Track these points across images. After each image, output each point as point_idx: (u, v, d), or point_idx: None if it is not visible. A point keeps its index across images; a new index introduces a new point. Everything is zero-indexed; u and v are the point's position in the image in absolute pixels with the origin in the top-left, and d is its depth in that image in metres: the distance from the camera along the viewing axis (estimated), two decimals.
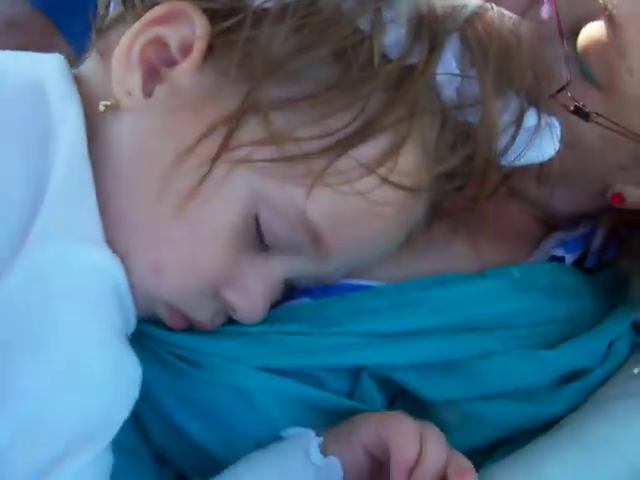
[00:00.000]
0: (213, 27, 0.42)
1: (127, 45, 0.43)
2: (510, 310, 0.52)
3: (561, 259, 0.58)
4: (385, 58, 0.40)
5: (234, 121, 0.40)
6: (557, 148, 0.45)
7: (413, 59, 0.41)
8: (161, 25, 0.43)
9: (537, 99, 0.45)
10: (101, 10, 0.50)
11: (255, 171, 0.41)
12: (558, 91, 0.49)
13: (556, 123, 0.45)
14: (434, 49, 0.41)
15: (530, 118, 0.44)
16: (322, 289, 0.50)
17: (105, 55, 0.47)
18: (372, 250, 0.46)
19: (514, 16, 0.46)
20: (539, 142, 0.45)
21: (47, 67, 0.46)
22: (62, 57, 0.50)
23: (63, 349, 0.39)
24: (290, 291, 0.49)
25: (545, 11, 0.51)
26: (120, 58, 0.43)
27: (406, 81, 0.41)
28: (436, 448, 0.42)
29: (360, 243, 0.45)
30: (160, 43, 0.43)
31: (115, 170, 0.42)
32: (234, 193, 0.42)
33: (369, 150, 0.41)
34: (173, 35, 0.43)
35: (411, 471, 0.41)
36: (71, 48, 0.97)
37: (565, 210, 0.59)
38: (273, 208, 0.42)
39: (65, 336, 0.39)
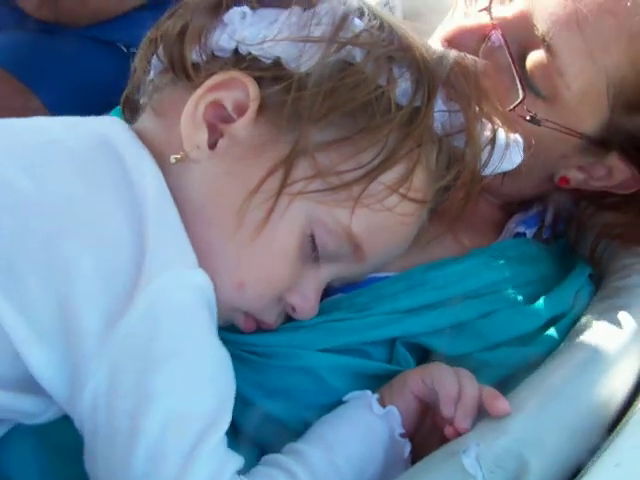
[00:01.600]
0: (263, 90, 0.53)
1: (192, 109, 0.54)
2: (493, 279, 0.66)
3: (523, 234, 0.73)
4: (397, 104, 0.53)
5: (289, 163, 0.52)
6: (523, 157, 0.58)
7: (417, 103, 0.53)
8: (218, 90, 0.54)
9: (503, 120, 0.58)
10: (139, 74, 0.62)
11: (309, 200, 0.53)
12: (516, 106, 0.63)
13: (520, 138, 0.58)
14: (431, 94, 0.53)
15: (500, 137, 0.57)
16: (352, 286, 0.62)
17: (160, 113, 0.58)
18: (394, 251, 0.59)
19: (477, 58, 0.59)
20: (509, 155, 0.58)
21: (112, 127, 0.57)
22: (117, 117, 0.62)
23: (190, 353, 0.49)
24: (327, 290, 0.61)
25: (495, 40, 0.65)
26: (187, 120, 0.54)
27: (414, 120, 0.53)
28: (470, 384, 0.55)
29: (387, 246, 0.57)
30: (218, 105, 0.54)
31: (195, 210, 0.53)
32: (295, 219, 0.53)
33: (391, 175, 0.53)
34: (229, 98, 0.54)
35: (455, 403, 0.54)
36: (47, 108, 1.07)
37: (520, 196, 0.74)
38: (325, 227, 0.54)
39: (190, 343, 0.49)
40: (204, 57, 0.56)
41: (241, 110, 0.54)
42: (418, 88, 0.53)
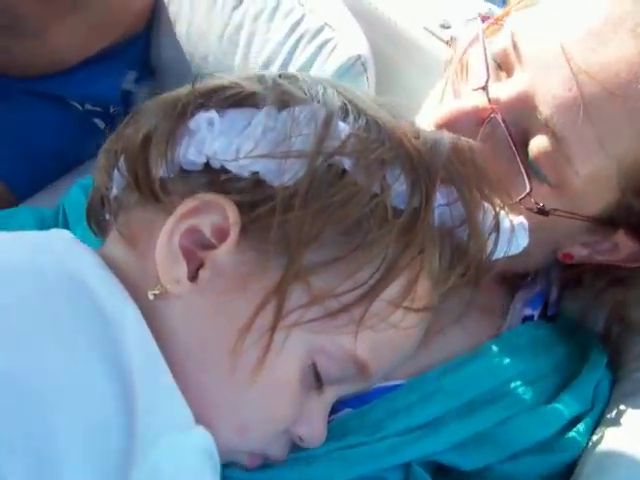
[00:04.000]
0: (244, 212, 0.47)
1: (166, 239, 0.48)
2: (508, 376, 0.62)
3: (531, 317, 0.69)
4: (394, 211, 0.47)
5: (281, 293, 0.46)
6: (528, 239, 0.54)
7: (415, 204, 0.48)
8: (193, 217, 0.48)
9: (507, 207, 0.54)
10: (102, 190, 0.55)
11: (307, 330, 0.47)
12: (522, 198, 0.59)
13: (524, 221, 0.54)
14: (430, 191, 0.48)
15: (504, 222, 0.53)
16: (358, 397, 0.58)
17: (130, 239, 0.51)
18: (401, 359, 0.54)
19: (474, 142, 0.55)
20: (515, 239, 0.53)
21: (79, 259, 0.50)
22: (70, 235, 0.54)
23: None
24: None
25: (495, 124, 0.60)
26: (162, 252, 0.48)
27: (413, 226, 0.48)
28: None
29: (394, 358, 0.53)
30: (195, 231, 0.48)
31: (183, 353, 0.47)
32: (294, 352, 0.48)
33: (393, 289, 0.48)
34: (206, 223, 0.48)
35: None
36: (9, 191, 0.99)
37: (522, 272, 0.70)
38: (328, 355, 0.49)
39: None
40: (171, 174, 0.50)
41: (221, 234, 0.48)
42: (415, 188, 0.48)
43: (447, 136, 0.52)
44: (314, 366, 0.49)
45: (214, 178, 0.48)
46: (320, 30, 0.90)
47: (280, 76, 0.51)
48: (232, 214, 0.47)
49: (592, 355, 0.65)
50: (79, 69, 1.08)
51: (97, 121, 1.10)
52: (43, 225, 0.83)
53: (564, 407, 0.60)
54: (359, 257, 0.47)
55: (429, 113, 0.63)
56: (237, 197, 0.48)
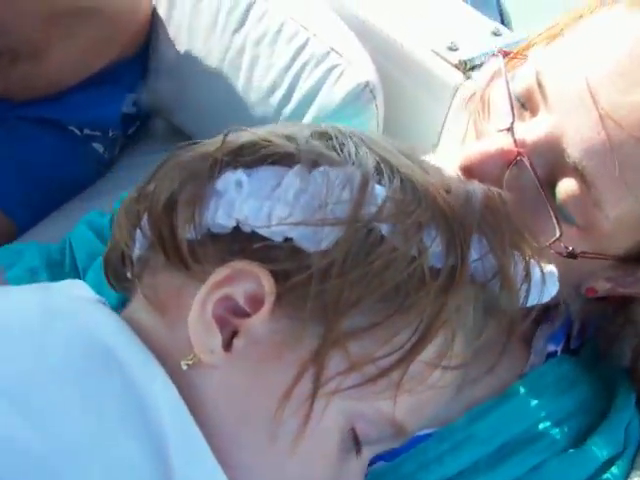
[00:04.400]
0: (278, 280, 0.45)
1: (199, 310, 0.46)
2: (537, 418, 0.61)
3: (554, 353, 0.68)
4: (431, 272, 0.46)
5: (320, 361, 0.45)
6: (558, 287, 0.53)
7: (451, 262, 0.47)
8: (226, 285, 0.46)
9: (536, 255, 0.53)
10: (122, 247, 0.53)
11: (346, 397, 0.46)
12: (552, 243, 0.58)
13: (554, 269, 0.53)
14: (465, 249, 0.47)
15: (535, 272, 0.51)
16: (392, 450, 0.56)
17: (158, 306, 0.50)
18: (435, 413, 0.53)
19: (504, 192, 0.54)
20: (546, 288, 0.52)
21: (104, 323, 0.48)
22: (89, 293, 0.54)
23: None
24: None
25: (521, 166, 0.59)
26: (195, 323, 0.46)
27: (450, 284, 0.47)
28: None
29: (430, 414, 0.52)
30: (228, 299, 0.46)
31: (219, 426, 0.46)
32: (334, 420, 0.47)
33: (430, 350, 0.47)
34: (239, 291, 0.46)
35: None
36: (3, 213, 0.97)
37: (543, 307, 0.69)
38: (367, 420, 0.47)
39: None
40: (199, 237, 0.48)
41: (255, 302, 0.46)
42: (450, 247, 0.47)
43: (478, 188, 0.51)
44: (353, 431, 0.48)
45: (246, 244, 0.47)
46: (326, 55, 0.89)
47: (312, 135, 0.49)
48: (267, 283, 0.45)
49: (619, 391, 0.64)
50: (77, 93, 1.06)
51: (96, 145, 1.09)
52: (50, 262, 0.81)
53: (596, 450, 0.59)
54: (397, 321, 0.46)
55: (452, 155, 0.62)
56: (271, 265, 0.46)
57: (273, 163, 0.48)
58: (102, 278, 0.59)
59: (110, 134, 1.08)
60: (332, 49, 0.87)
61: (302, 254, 0.46)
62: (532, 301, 0.52)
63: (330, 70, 0.86)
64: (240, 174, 0.48)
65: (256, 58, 0.93)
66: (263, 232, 0.46)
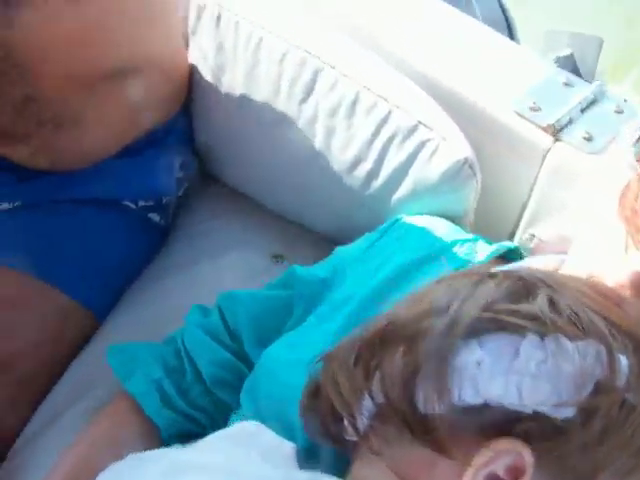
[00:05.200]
0: (535, 449, 0.48)
1: None
2: None
3: None
4: None
5: None
6: None
7: None
8: (490, 465, 0.49)
9: None
10: (344, 410, 0.54)
11: None
12: None
13: None
14: None
15: None
16: None
17: (399, 474, 0.52)
18: None
19: None
20: None
21: None
22: (289, 446, 0.57)
23: None
24: None
25: None
26: None
27: None
28: None
29: None
30: (491, 476, 0.49)
31: None
32: None
33: None
34: (501, 466, 0.48)
35: None
36: (80, 304, 0.96)
37: None
38: None
39: None
40: (444, 413, 0.50)
41: (515, 472, 0.48)
42: None
43: None
44: None
45: (497, 419, 0.49)
46: (414, 129, 0.89)
47: (550, 302, 0.51)
48: (528, 457, 0.48)
49: None
50: (125, 164, 1.03)
51: (152, 215, 1.07)
52: (169, 369, 0.82)
53: None
54: None
55: (614, 269, 0.63)
56: (527, 438, 0.48)
57: (501, 329, 0.50)
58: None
59: (164, 201, 1.06)
60: (420, 122, 0.87)
61: (555, 425, 0.48)
62: None
63: (422, 145, 0.86)
64: (475, 347, 0.50)
65: (332, 129, 0.91)
66: (513, 407, 0.48)
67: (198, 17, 1.07)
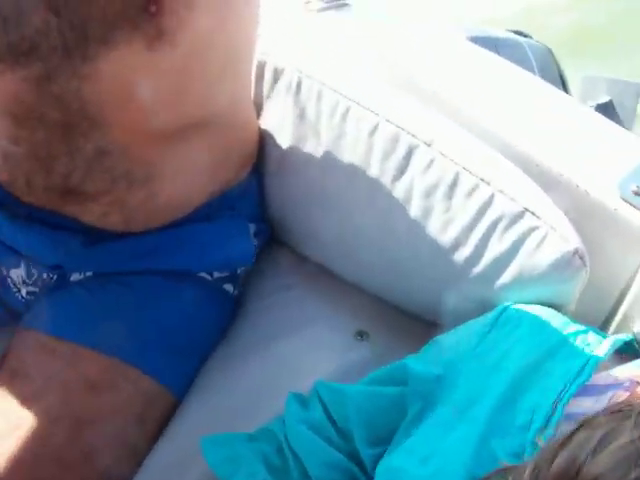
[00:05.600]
0: None
1: None
2: None
3: None
4: None
5: None
6: None
7: None
8: None
9: None
10: None
11: None
12: None
13: None
14: None
15: None
16: None
17: None
18: None
19: None
20: None
21: None
22: None
23: None
24: None
25: None
26: None
27: None
28: None
29: None
30: None
31: None
32: None
33: None
34: None
35: None
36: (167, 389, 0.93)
37: None
38: None
39: None
40: None
41: None
42: None
43: None
44: None
45: None
46: (520, 216, 0.87)
47: None
48: None
49: None
50: (200, 232, 1.00)
51: (227, 287, 1.03)
52: (271, 468, 0.79)
53: None
54: None
55: None
56: None
57: None
58: None
59: (239, 272, 1.02)
60: (526, 209, 0.84)
61: None
62: None
63: (528, 233, 0.84)
64: None
65: (428, 210, 0.89)
66: None
67: (274, 81, 1.03)
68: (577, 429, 0.52)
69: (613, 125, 0.98)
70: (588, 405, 0.75)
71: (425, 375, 0.80)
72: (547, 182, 0.91)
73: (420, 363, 0.82)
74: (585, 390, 0.75)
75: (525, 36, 1.53)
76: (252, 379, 0.95)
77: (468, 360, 0.81)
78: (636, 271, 0.89)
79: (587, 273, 0.86)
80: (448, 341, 0.85)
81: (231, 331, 1.02)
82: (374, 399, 0.81)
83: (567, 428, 0.53)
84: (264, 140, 1.03)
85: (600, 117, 1.00)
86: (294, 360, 0.95)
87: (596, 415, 0.53)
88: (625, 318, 0.92)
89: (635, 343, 0.82)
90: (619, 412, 0.54)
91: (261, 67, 1.01)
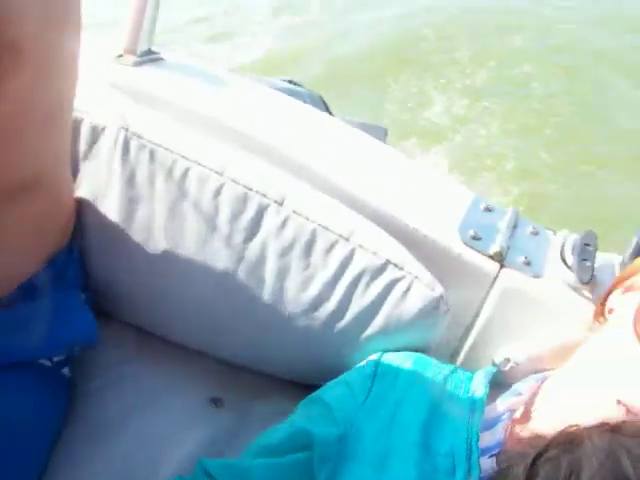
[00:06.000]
0: None
1: None
2: None
3: None
4: None
5: None
6: None
7: None
8: None
9: None
10: None
11: None
12: None
13: None
14: None
15: None
16: None
17: None
18: None
19: None
20: None
21: None
22: None
23: None
24: None
25: None
26: None
27: None
28: None
29: None
30: None
31: None
32: None
33: None
34: None
35: None
36: None
37: None
38: None
39: None
40: None
41: None
42: None
43: None
44: None
45: None
46: (383, 268, 0.89)
47: None
48: None
49: None
50: (36, 309, 0.89)
51: (65, 370, 0.93)
52: None
53: None
54: None
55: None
56: None
57: None
58: None
59: (76, 352, 0.93)
60: (389, 261, 0.87)
61: None
62: None
63: (393, 284, 0.86)
64: None
65: (285, 270, 0.87)
66: None
67: (93, 141, 0.94)
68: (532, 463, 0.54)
69: (441, 175, 1.03)
70: (488, 438, 0.78)
71: (328, 437, 0.77)
72: (395, 233, 0.93)
73: (316, 425, 0.80)
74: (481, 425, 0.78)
75: (296, 84, 1.56)
76: (118, 464, 0.85)
77: (363, 417, 0.80)
78: (480, 306, 0.95)
79: (449, 316, 0.89)
80: (330, 398, 0.83)
81: (72, 418, 0.90)
82: (282, 470, 0.77)
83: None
84: (81, 205, 0.93)
85: (426, 166, 1.05)
86: (153, 436, 0.87)
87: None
88: (472, 349, 0.98)
89: (498, 373, 0.87)
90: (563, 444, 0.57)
91: (77, 125, 0.91)
